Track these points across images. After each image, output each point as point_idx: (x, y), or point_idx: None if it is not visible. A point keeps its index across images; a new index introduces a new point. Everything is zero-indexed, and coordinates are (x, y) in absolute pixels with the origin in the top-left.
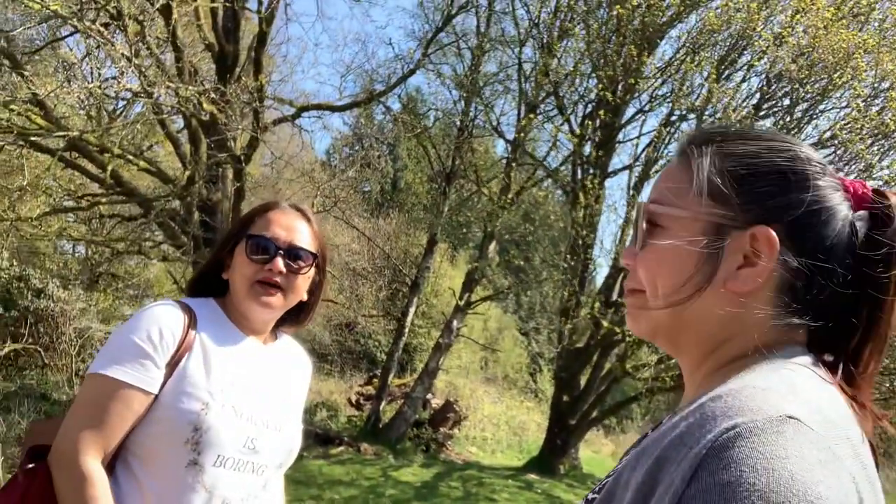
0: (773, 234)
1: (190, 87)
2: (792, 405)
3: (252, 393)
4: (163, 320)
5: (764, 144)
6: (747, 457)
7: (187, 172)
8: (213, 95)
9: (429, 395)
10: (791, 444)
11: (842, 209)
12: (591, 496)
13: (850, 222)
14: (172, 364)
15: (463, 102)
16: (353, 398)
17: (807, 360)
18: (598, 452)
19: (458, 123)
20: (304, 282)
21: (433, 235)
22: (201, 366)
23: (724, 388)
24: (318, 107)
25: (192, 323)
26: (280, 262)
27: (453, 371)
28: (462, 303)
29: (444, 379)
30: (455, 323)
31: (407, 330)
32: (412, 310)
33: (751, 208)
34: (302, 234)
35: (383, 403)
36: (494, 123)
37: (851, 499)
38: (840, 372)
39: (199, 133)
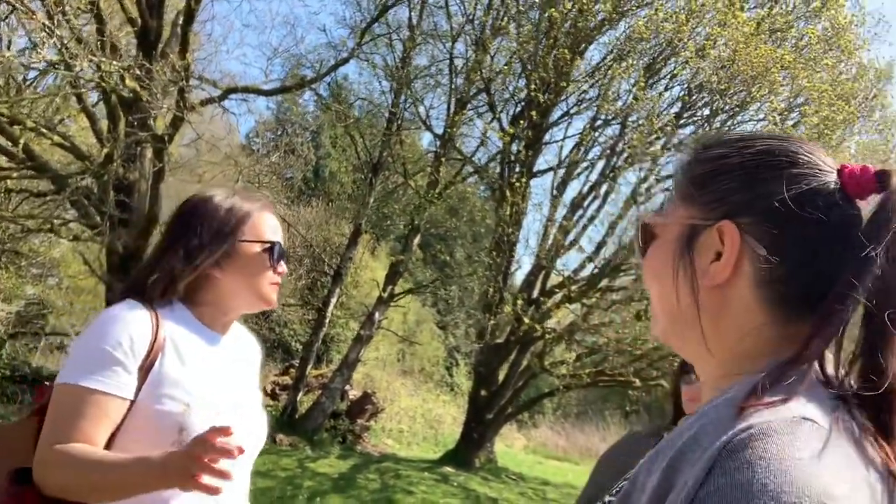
0: (734, 226)
1: (114, 63)
2: (805, 406)
3: (226, 386)
4: (130, 324)
5: (737, 144)
6: (761, 458)
7: (105, 150)
8: (137, 72)
9: (347, 387)
10: (806, 446)
11: (824, 195)
12: (608, 499)
13: (847, 209)
14: (146, 368)
15: (392, 94)
16: (269, 388)
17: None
18: (511, 446)
19: (387, 115)
20: None
21: (358, 226)
22: (177, 366)
23: (738, 390)
24: (247, 89)
25: (160, 324)
26: (285, 266)
27: (370, 363)
28: (385, 295)
29: (362, 371)
30: (377, 315)
31: (328, 320)
32: (334, 300)
33: (718, 206)
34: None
35: (300, 394)
36: (424, 117)
37: (866, 502)
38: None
39: (118, 110)
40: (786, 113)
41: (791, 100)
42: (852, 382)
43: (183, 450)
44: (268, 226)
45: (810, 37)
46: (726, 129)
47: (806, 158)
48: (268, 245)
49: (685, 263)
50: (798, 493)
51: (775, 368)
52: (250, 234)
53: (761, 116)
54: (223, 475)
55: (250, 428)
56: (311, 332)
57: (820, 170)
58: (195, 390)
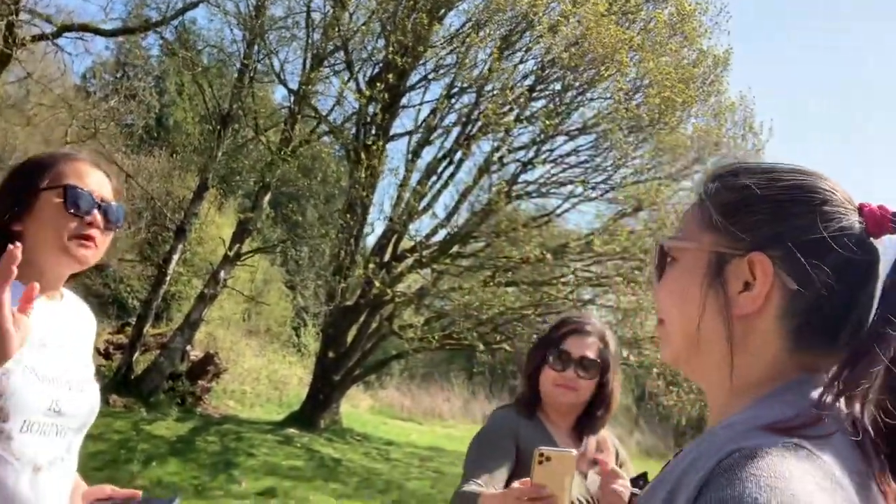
0: (766, 258)
1: None
2: (808, 436)
3: (51, 353)
4: None
5: (766, 176)
6: (752, 475)
7: None
8: None
9: (188, 347)
10: (796, 468)
11: (852, 234)
12: None
13: (869, 247)
14: None
15: (245, 44)
16: (102, 347)
17: (817, 388)
18: (357, 407)
19: (239, 65)
20: (110, 239)
21: (205, 180)
22: None
23: (737, 416)
24: (85, 28)
25: None
26: (99, 217)
27: (214, 322)
28: (232, 253)
29: (204, 330)
30: (222, 273)
31: (169, 277)
32: (176, 256)
33: (748, 236)
34: (110, 191)
35: (137, 354)
36: (278, 70)
37: None
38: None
39: None
40: (630, 93)
41: (637, 80)
42: (866, 418)
43: None
44: (73, 172)
45: (657, 21)
46: (576, 105)
47: (834, 196)
48: (62, 189)
49: (716, 292)
50: None
51: (784, 395)
52: (51, 181)
53: (608, 95)
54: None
55: (80, 398)
56: (151, 289)
57: (846, 208)
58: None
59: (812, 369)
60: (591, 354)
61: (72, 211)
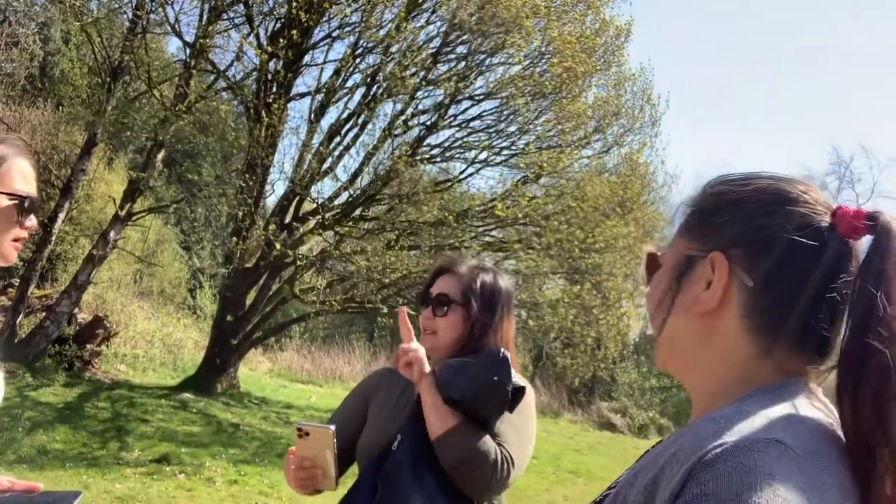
0: (723, 256)
1: None
2: (780, 431)
3: None
4: None
5: (739, 182)
6: (733, 470)
7: None
8: None
9: (75, 310)
10: (775, 464)
11: (817, 234)
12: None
13: (838, 249)
14: None
15: None
16: None
17: (799, 390)
18: (255, 370)
19: (131, 14)
20: None
21: (93, 135)
22: None
23: (719, 412)
24: None
25: None
26: (35, 220)
27: (103, 284)
28: (123, 213)
29: (93, 292)
30: (112, 234)
31: (54, 237)
32: (62, 215)
33: (712, 238)
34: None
35: (20, 316)
36: (172, 21)
37: None
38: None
39: None
40: (535, 60)
41: (542, 48)
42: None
43: None
44: (21, 175)
45: None
46: (484, 69)
47: (803, 198)
48: (16, 199)
49: (682, 292)
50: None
51: (765, 394)
52: (17, 188)
53: (514, 61)
54: None
55: None
56: (35, 248)
57: (812, 209)
58: None
59: (791, 372)
60: (448, 290)
61: (22, 219)
